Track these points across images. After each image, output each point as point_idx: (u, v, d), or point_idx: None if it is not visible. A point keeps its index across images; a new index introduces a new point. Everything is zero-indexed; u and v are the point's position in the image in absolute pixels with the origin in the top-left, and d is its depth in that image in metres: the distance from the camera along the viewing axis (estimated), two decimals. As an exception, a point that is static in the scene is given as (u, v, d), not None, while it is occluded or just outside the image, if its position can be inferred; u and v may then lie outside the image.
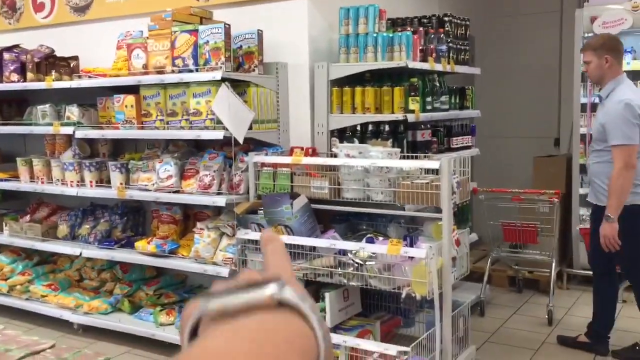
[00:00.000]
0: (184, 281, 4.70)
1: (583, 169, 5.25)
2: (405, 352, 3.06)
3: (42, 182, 4.76)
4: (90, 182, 4.49)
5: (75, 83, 4.43)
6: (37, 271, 4.91)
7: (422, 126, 4.13)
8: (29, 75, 4.72)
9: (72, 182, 4.54)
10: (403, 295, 3.19)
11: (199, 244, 3.92)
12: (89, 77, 4.45)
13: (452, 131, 4.52)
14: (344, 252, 3.37)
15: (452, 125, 4.56)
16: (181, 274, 4.68)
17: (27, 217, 5.02)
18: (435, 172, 3.33)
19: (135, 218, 4.77)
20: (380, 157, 3.43)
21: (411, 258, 3.19)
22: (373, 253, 3.29)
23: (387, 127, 3.90)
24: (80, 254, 4.46)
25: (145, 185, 4.17)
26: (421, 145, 4.07)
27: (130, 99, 4.17)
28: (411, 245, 3.22)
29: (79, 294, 4.52)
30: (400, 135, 3.95)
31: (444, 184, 3.20)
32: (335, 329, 3.45)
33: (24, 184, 4.86)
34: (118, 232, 4.60)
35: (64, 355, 1.84)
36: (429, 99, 4.13)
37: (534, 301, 5.04)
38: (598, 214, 3.74)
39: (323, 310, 3.42)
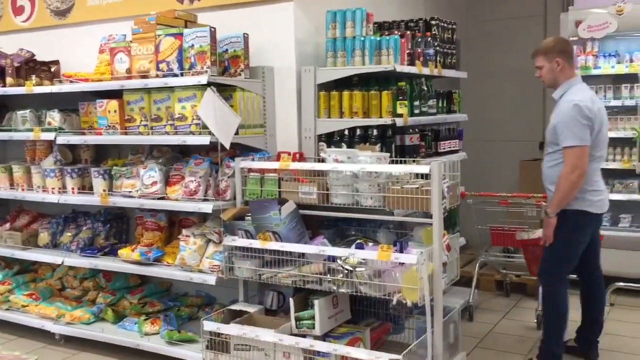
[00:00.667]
0: (169, 289, 4.62)
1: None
2: (396, 360, 3.01)
3: (23, 189, 4.64)
4: (72, 188, 4.39)
5: (56, 88, 4.33)
6: (17, 280, 4.78)
7: (410, 130, 4.09)
8: (9, 80, 4.61)
9: (53, 189, 4.43)
10: (394, 302, 3.14)
11: (185, 251, 3.84)
12: (71, 81, 4.36)
13: (440, 135, 4.50)
14: (333, 259, 3.32)
15: (440, 129, 4.54)
16: (166, 282, 4.59)
17: (7, 225, 4.89)
18: (425, 176, 3.30)
19: (118, 225, 4.67)
20: (369, 161, 3.38)
21: (402, 264, 3.15)
22: (363, 259, 3.24)
23: (375, 132, 3.86)
24: (62, 262, 4.35)
25: (129, 191, 4.08)
26: (409, 149, 4.03)
27: (113, 104, 4.08)
28: (401, 251, 3.18)
29: (61, 304, 4.40)
30: (388, 140, 3.91)
31: (434, 189, 3.17)
32: (325, 336, 3.39)
33: (3, 191, 4.74)
34: (101, 240, 4.50)
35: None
36: (416, 102, 4.10)
37: (522, 305, 5.03)
38: (560, 217, 3.62)
39: (312, 318, 3.36)
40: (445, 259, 3.34)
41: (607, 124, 3.68)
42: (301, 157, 3.84)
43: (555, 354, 3.65)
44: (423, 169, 3.23)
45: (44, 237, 4.66)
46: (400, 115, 3.88)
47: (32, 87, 4.42)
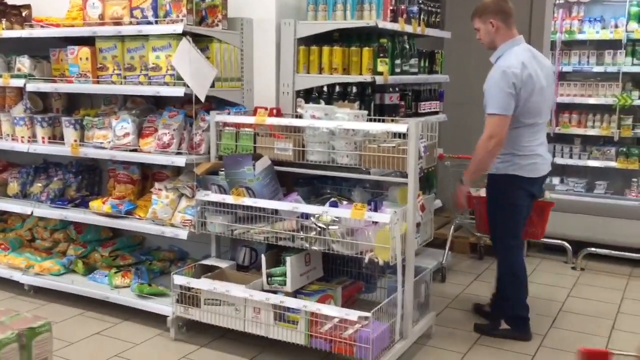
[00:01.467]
0: (141, 243, 4.56)
1: (549, 137, 5.25)
2: (366, 318, 3.02)
3: (-9, 137, 4.51)
4: (43, 138, 4.27)
5: (26, 32, 4.17)
6: (-15, 230, 4.70)
7: (390, 89, 4.03)
8: (-23, 22, 4.43)
9: (22, 137, 4.30)
10: (366, 261, 3.13)
11: (157, 204, 3.78)
12: (41, 26, 4.19)
13: (421, 96, 4.44)
14: (306, 216, 3.29)
15: (421, 90, 4.48)
16: (138, 236, 4.53)
17: (-25, 174, 4.77)
18: (403, 136, 3.25)
19: (90, 177, 4.58)
20: (346, 119, 3.33)
21: (375, 223, 3.12)
22: (336, 217, 3.21)
23: (354, 89, 3.79)
24: (32, 213, 4.26)
25: (101, 143, 3.99)
26: (389, 108, 3.97)
27: (85, 51, 3.94)
28: (375, 210, 3.15)
29: (30, 255, 4.33)
30: (367, 98, 3.85)
31: (410, 148, 3.13)
32: (296, 293, 3.39)
33: (-29, 139, 4.60)
34: (72, 191, 4.41)
35: (1, 318, 1.72)
36: (398, 61, 4.02)
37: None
38: (491, 182, 3.64)
39: (284, 274, 3.34)
40: (419, 219, 3.33)
41: (543, 89, 3.47)
42: (278, 113, 3.76)
43: (522, 317, 3.69)
44: (400, 127, 3.18)
45: (14, 186, 4.56)
46: (381, 73, 3.81)
47: (1, 31, 4.25)
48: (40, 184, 4.47)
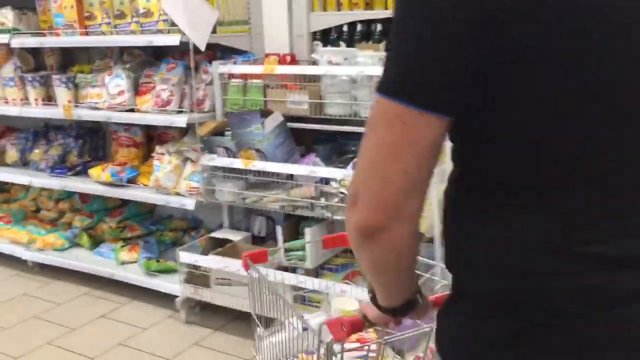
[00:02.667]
0: (152, 211, 4.16)
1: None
2: (399, 301, 2.55)
3: (-17, 101, 4.12)
4: (36, 99, 3.85)
5: (5, -19, 3.70)
6: (-13, 202, 4.38)
7: (422, 25, 3.44)
8: (-45, -27, 3.97)
9: (14, 99, 3.90)
10: (397, 233, 2.64)
11: (159, 171, 3.35)
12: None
13: (458, 31, 3.82)
14: (326, 181, 2.80)
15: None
16: (148, 203, 4.12)
17: (-28, 141, 4.42)
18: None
19: (92, 141, 4.16)
20: (369, 63, 2.78)
21: (407, 187, 2.62)
22: (361, 181, 2.72)
23: (379, 27, 3.21)
24: (30, 183, 3.90)
25: (96, 102, 3.54)
26: (421, 48, 3.39)
27: (69, -3, 3.46)
28: (407, 171, 2.64)
29: (34, 227, 3.99)
30: (395, 37, 3.27)
31: (448, 96, 2.58)
32: (319, 269, 2.95)
33: (-38, 103, 4.22)
34: (73, 157, 4.01)
35: None
36: (430, -9, 3.41)
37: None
38: None
39: (303, 248, 2.90)
40: (460, 180, 2.80)
41: None
42: (292, 60, 3.24)
43: None
44: (435, 71, 2.62)
45: (12, 154, 4.20)
46: (410, 7, 3.22)
47: (-22, -20, 3.79)
48: (39, 150, 4.10)
